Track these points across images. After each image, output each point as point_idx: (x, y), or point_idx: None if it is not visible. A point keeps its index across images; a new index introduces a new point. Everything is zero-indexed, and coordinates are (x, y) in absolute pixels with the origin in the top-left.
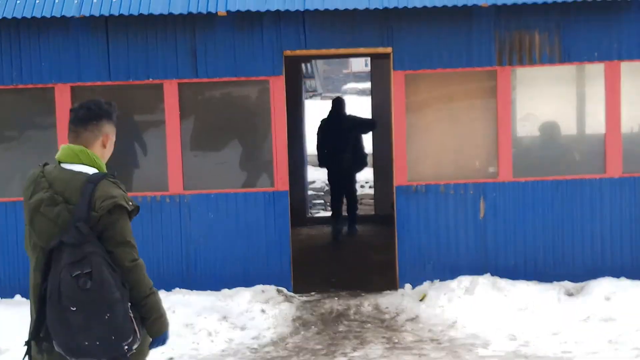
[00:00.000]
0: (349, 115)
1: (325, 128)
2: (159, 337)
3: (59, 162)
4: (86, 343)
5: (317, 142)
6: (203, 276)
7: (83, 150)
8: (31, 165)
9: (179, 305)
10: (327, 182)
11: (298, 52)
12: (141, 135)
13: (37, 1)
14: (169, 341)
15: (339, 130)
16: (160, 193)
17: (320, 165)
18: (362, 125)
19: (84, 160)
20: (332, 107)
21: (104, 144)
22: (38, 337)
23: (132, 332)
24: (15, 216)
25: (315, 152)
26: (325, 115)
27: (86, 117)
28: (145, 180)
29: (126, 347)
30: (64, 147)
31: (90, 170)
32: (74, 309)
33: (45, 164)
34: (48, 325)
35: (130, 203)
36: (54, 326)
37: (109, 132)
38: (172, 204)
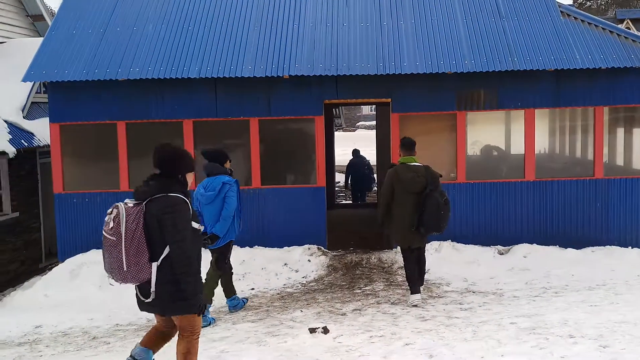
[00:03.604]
0: (365, 163)
1: (350, 167)
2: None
3: (404, 162)
4: (441, 225)
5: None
6: (272, 238)
7: (413, 157)
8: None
9: (258, 256)
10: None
11: (332, 101)
12: (236, 152)
13: (173, 68)
14: (251, 277)
15: (357, 167)
16: (247, 187)
17: (345, 185)
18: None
19: (417, 161)
20: (353, 155)
21: (415, 154)
22: (419, 225)
23: (447, 222)
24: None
25: (341, 163)
26: (348, 151)
27: (411, 145)
28: (240, 179)
29: (444, 226)
30: (405, 157)
31: (419, 163)
32: (442, 212)
33: (394, 165)
34: (424, 220)
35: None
36: (431, 220)
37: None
38: (254, 194)
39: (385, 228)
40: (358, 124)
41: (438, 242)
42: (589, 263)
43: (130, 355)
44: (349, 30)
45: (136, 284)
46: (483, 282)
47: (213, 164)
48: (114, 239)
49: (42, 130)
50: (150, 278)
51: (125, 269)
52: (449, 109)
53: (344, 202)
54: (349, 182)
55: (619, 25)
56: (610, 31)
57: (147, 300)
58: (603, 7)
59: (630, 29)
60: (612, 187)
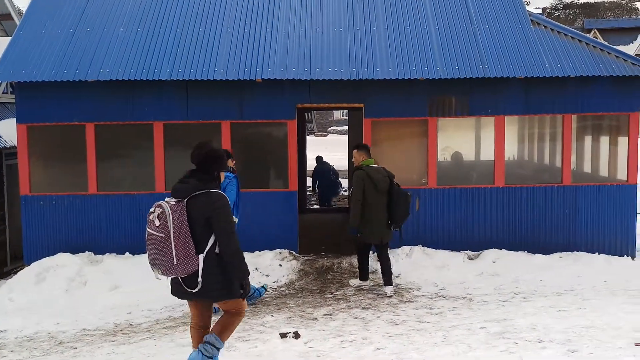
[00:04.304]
0: (330, 169)
1: (315, 174)
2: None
3: (367, 165)
4: (407, 217)
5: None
6: (243, 242)
7: (373, 160)
8: (134, 172)
9: None
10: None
11: (305, 105)
12: None
13: (144, 69)
14: None
15: (323, 174)
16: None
17: (313, 191)
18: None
19: (376, 163)
20: (317, 162)
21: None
22: (394, 222)
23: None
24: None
25: (312, 168)
26: (314, 155)
27: (368, 149)
28: None
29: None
30: (367, 160)
31: (379, 165)
32: (409, 205)
33: (361, 168)
34: (398, 215)
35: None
36: (399, 213)
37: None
38: None
39: (360, 228)
40: (330, 128)
41: (409, 247)
42: (557, 269)
43: None
44: (323, 35)
45: (184, 275)
46: (453, 287)
47: None
48: (162, 235)
49: (8, 131)
50: (197, 269)
51: (175, 263)
52: (420, 114)
53: (315, 206)
54: (317, 188)
55: (587, 35)
56: (579, 40)
57: (194, 291)
58: (571, 17)
59: (597, 39)
60: (580, 193)
